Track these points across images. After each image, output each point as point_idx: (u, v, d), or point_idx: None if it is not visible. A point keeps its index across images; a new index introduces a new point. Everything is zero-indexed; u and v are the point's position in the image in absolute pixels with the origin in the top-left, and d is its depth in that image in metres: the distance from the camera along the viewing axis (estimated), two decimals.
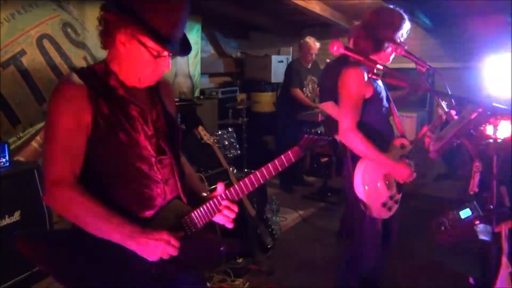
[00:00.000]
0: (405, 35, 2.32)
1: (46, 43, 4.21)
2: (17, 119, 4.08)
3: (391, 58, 2.36)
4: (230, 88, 6.47)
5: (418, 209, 4.34)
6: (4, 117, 3.96)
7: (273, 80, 6.41)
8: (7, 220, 2.87)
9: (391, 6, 2.35)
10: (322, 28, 6.37)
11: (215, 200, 1.54)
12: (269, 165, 1.51)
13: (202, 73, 6.23)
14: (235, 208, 1.55)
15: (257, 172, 1.52)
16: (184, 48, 1.48)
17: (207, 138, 3.56)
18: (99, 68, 1.47)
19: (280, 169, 1.52)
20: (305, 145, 1.51)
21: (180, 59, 5.75)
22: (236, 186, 1.54)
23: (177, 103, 4.61)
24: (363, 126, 2.30)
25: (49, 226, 3.14)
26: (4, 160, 2.99)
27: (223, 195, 1.55)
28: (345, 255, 2.55)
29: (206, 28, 6.38)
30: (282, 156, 1.51)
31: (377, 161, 2.26)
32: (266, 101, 6.53)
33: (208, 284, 3.04)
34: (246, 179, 1.53)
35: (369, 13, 2.39)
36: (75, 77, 1.41)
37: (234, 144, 3.95)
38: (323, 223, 4.49)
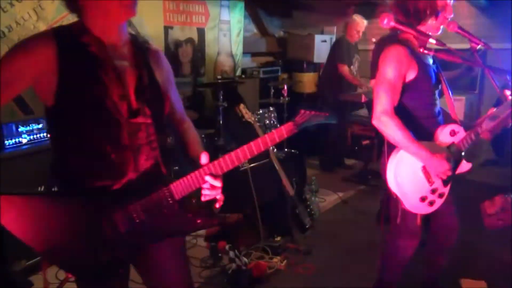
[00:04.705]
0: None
1: None
2: None
3: (440, 27, 2.09)
4: (272, 68, 6.42)
5: (463, 195, 4.18)
6: None
7: (316, 60, 6.31)
8: None
9: None
10: (368, 7, 6.19)
11: (196, 172, 1.47)
12: (259, 139, 1.46)
13: (244, 53, 6.22)
14: (218, 183, 1.47)
15: (245, 147, 1.46)
16: None
17: (248, 116, 3.55)
18: (75, 26, 1.44)
19: (269, 144, 1.46)
20: (300, 121, 1.46)
21: (223, 38, 5.74)
22: (221, 159, 1.46)
23: (219, 81, 4.63)
24: (403, 111, 2.12)
25: None
26: None
27: (205, 169, 1.47)
28: (383, 241, 2.47)
29: (249, 7, 6.32)
30: (275, 131, 1.46)
31: (411, 151, 2.05)
32: (308, 81, 6.46)
33: (246, 260, 3.07)
34: (232, 153, 1.45)
35: None
36: (46, 35, 1.39)
37: (275, 123, 3.92)
38: (363, 206, 4.42)
